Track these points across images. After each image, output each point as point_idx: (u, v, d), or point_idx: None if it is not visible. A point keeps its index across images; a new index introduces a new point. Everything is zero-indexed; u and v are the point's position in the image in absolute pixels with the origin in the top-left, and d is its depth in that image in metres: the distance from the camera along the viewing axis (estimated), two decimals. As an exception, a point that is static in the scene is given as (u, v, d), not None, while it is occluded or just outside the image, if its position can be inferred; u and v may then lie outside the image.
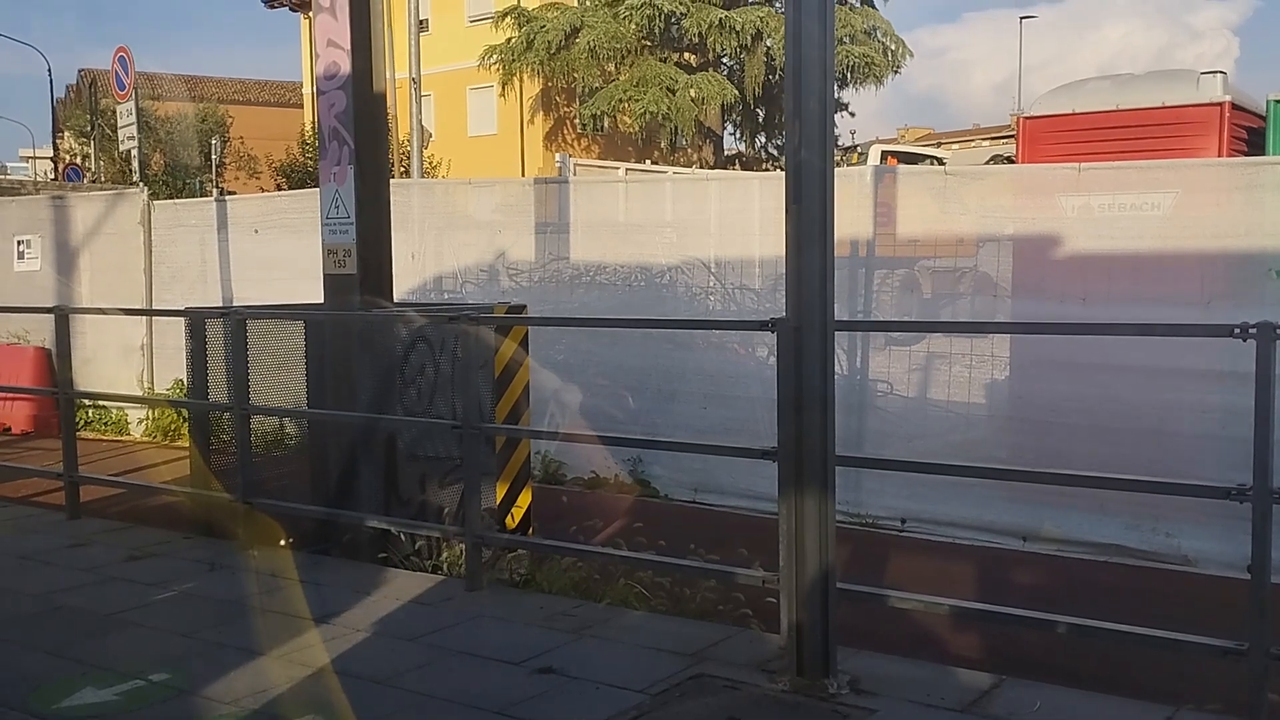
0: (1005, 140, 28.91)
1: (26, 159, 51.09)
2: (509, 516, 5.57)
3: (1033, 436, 6.43)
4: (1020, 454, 6.42)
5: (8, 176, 33.48)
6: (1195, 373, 5.83)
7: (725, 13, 28.35)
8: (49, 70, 40.62)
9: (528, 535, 5.58)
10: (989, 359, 6.68)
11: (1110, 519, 5.92)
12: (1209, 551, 5.70)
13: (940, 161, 20.31)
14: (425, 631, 4.11)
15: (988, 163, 19.92)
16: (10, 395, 9.84)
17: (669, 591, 4.55)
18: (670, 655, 3.82)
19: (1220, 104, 7.94)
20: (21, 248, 12.09)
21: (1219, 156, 7.68)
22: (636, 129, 29.54)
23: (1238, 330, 3.30)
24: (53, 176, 31.71)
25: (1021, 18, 51.82)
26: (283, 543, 5.03)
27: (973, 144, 36.55)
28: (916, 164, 19.07)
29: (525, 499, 5.72)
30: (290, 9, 36.45)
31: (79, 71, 45.25)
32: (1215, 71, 8.26)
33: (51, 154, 40.84)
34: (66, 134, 40.89)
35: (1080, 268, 6.36)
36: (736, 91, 29.14)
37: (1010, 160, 14.70)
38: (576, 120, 31.57)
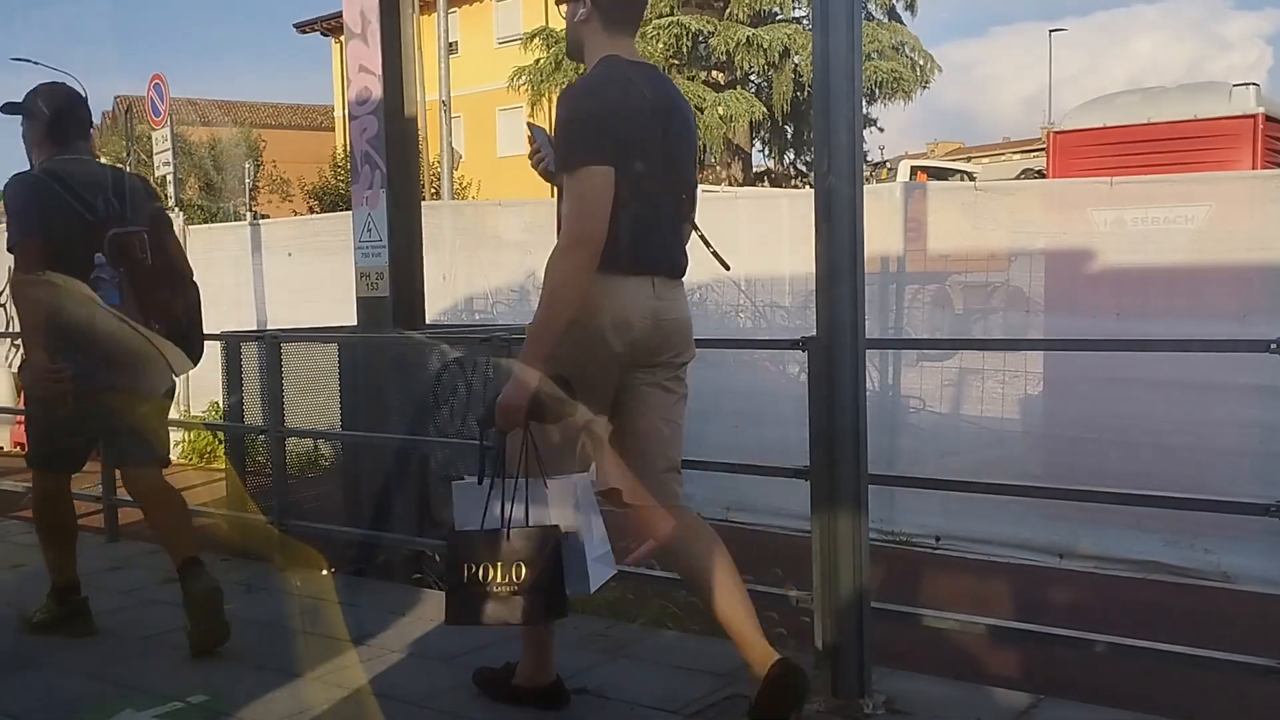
0: (1035, 154, 28.77)
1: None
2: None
3: (1067, 453, 6.39)
4: (1054, 470, 6.38)
5: (46, 202, 33.92)
6: (1232, 387, 5.78)
7: (753, 30, 28.41)
8: (85, 97, 41.15)
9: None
10: (1022, 375, 6.65)
11: (1148, 536, 5.87)
12: (1249, 568, 5.64)
13: (970, 176, 20.28)
14: (459, 652, 4.12)
15: (1018, 176, 19.85)
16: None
17: (702, 612, 4.53)
18: (704, 675, 3.82)
19: (1253, 116, 7.87)
20: (60, 273, 12.26)
21: (1253, 169, 7.61)
22: (665, 147, 29.57)
23: (1274, 346, 3.27)
24: (90, 202, 32.08)
25: (1050, 31, 51.71)
26: (326, 573, 5.06)
27: (1003, 158, 36.38)
28: (946, 179, 19.05)
29: (558, 519, 5.73)
30: (322, 34, 36.96)
31: (115, 98, 45.92)
32: (1248, 83, 8.20)
33: (88, 180, 41.38)
34: (103, 160, 41.51)
35: (1113, 282, 6.33)
36: (764, 108, 29.17)
37: (1041, 174, 14.63)
38: (605, 139, 31.65)
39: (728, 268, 3.63)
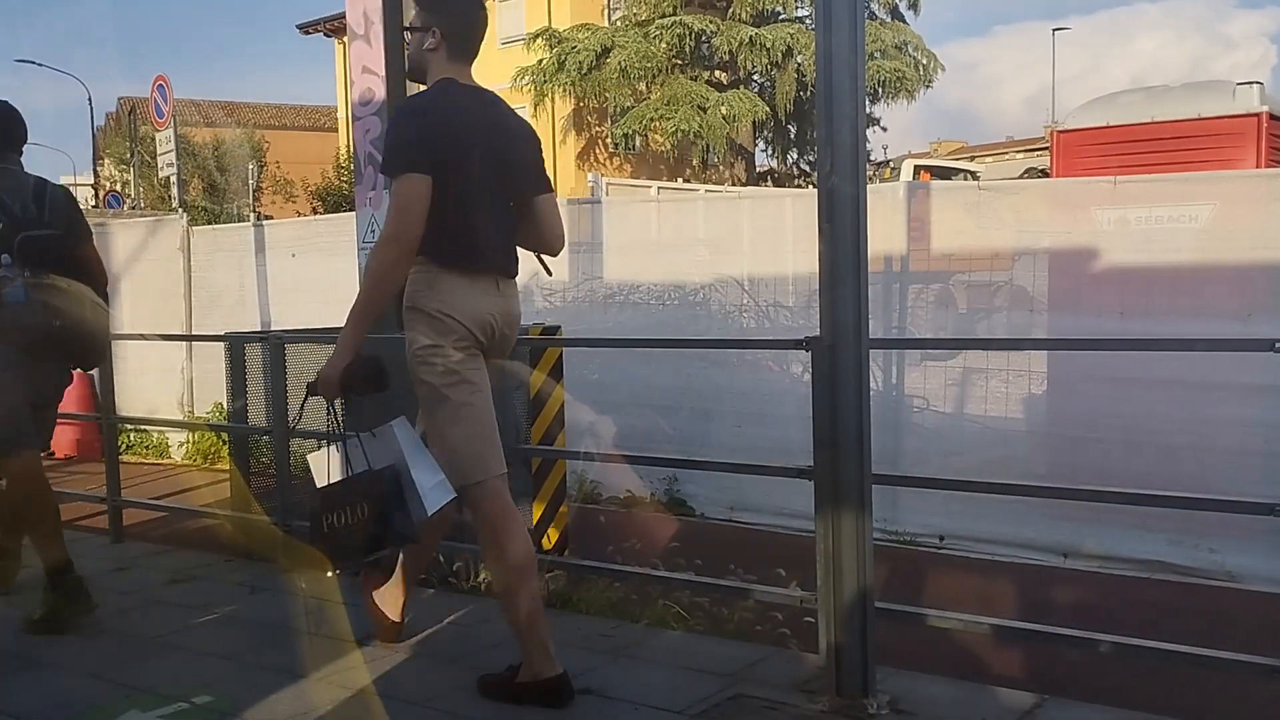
0: (1039, 152, 28.75)
1: (68, 186, 51.89)
2: (545, 537, 5.59)
3: (1071, 452, 6.38)
4: (1058, 470, 6.36)
5: (50, 204, 33.93)
6: (1236, 387, 5.77)
7: (756, 30, 28.42)
8: (89, 99, 41.46)
9: (564, 555, 5.59)
10: (1026, 374, 6.64)
11: (1152, 535, 5.86)
12: (1253, 567, 5.63)
13: (974, 175, 20.24)
14: (463, 653, 4.13)
15: (1022, 175, 19.85)
16: (57, 420, 9.97)
17: (706, 611, 4.54)
18: (708, 676, 3.82)
19: (1257, 115, 7.86)
20: (64, 274, 12.29)
21: (1257, 168, 7.60)
22: (668, 147, 29.64)
23: (1278, 345, 3.27)
24: (93, 203, 32.21)
25: (1054, 30, 51.67)
26: (329, 573, 5.07)
27: (1006, 157, 36.38)
28: (950, 178, 19.02)
29: (562, 519, 5.74)
30: (325, 35, 36.95)
31: (119, 99, 46.03)
32: (1251, 82, 8.19)
33: (92, 181, 41.52)
34: (107, 161, 41.57)
35: (1117, 281, 6.32)
36: (768, 108, 29.18)
37: (1044, 173, 14.62)
38: (608, 139, 31.74)
39: (550, 273, 3.99)
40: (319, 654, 4.14)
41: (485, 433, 3.52)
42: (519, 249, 3.72)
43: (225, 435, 7.92)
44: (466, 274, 3.47)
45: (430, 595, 4.94)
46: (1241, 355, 5.28)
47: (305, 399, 3.63)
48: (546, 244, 3.75)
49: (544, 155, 3.86)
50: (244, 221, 17.78)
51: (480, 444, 3.51)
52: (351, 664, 4.05)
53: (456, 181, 3.38)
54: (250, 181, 32.99)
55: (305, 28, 37.92)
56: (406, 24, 3.71)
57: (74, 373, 4.87)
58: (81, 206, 5.13)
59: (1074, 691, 3.69)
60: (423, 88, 3.65)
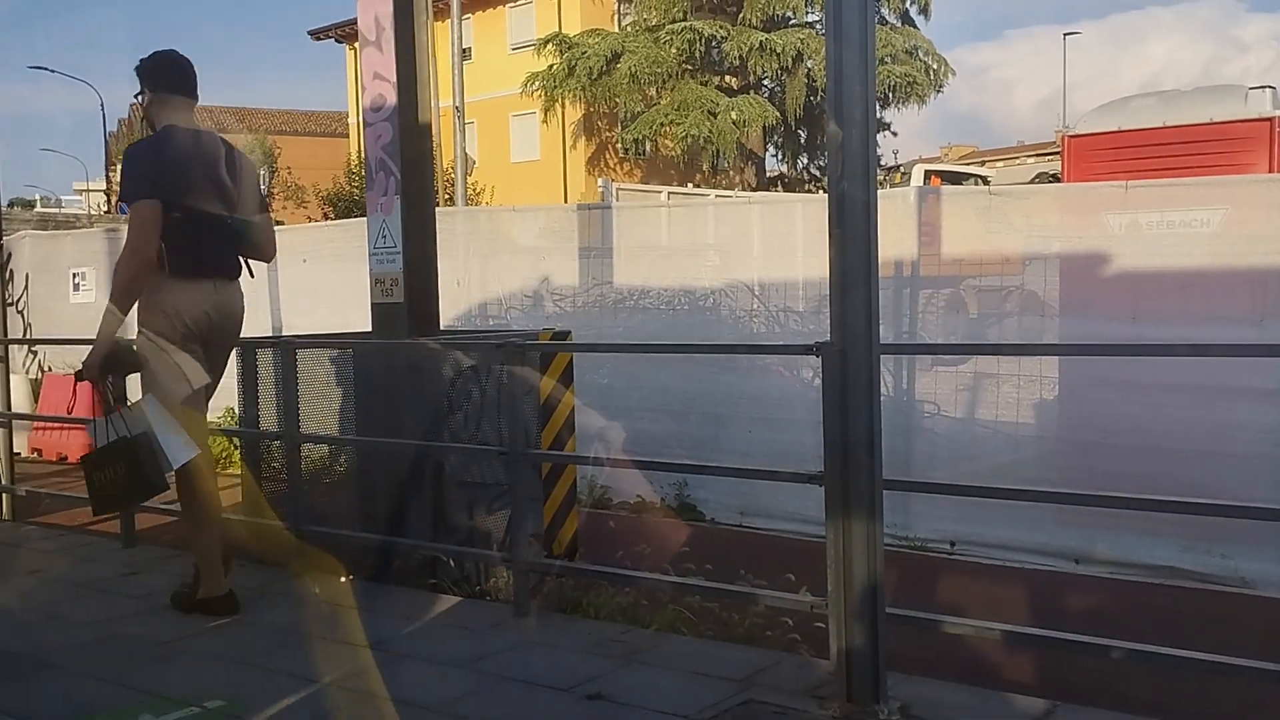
0: (1050, 157, 28.68)
1: (80, 192, 52.17)
2: (556, 542, 5.59)
3: (1083, 457, 6.36)
4: (1070, 474, 6.35)
5: (63, 210, 34.17)
6: (1249, 391, 5.75)
7: (765, 35, 28.43)
8: (102, 104, 41.67)
9: (574, 560, 5.59)
10: (1037, 379, 6.62)
11: (1164, 540, 5.84)
12: (1267, 573, 5.61)
13: (984, 180, 20.21)
14: (475, 658, 4.13)
15: (1033, 180, 19.80)
16: (67, 425, 10.02)
17: (717, 616, 4.54)
18: (719, 681, 3.81)
19: (1269, 119, 7.85)
20: (78, 280, 12.37)
21: (1269, 172, 7.58)
22: (678, 152, 29.66)
23: (1291, 350, 3.26)
24: (105, 209, 32.34)
25: (1065, 34, 51.53)
26: (343, 579, 5.09)
27: (1017, 161, 36.27)
28: (960, 183, 18.99)
29: (572, 524, 5.74)
30: (336, 40, 37.08)
31: (131, 105, 46.25)
32: (1264, 86, 8.17)
33: (104, 187, 41.71)
34: (119, 167, 41.74)
35: (1129, 285, 6.30)
36: (778, 113, 29.19)
37: (1055, 177, 14.59)
38: (619, 144, 31.76)
39: (253, 275, 4.85)
40: (330, 658, 4.15)
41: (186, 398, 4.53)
42: (241, 255, 4.74)
43: (237, 439, 7.94)
44: (189, 278, 4.47)
45: (443, 599, 4.95)
46: (1254, 360, 5.26)
47: (105, 386, 4.62)
48: (260, 254, 4.85)
49: (259, 183, 5.05)
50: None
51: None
52: (362, 669, 4.06)
53: (180, 206, 4.39)
54: (262, 187, 33.10)
55: (317, 33, 38.05)
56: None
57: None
58: (93, 213, 5.28)
59: (1086, 697, 3.68)
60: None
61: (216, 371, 4.82)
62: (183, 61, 4.66)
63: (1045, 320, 6.65)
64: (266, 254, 4.89)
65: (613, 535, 6.04)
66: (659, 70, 28.84)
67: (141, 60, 4.66)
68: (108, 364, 4.48)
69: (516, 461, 4.78)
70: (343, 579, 5.18)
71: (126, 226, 4.51)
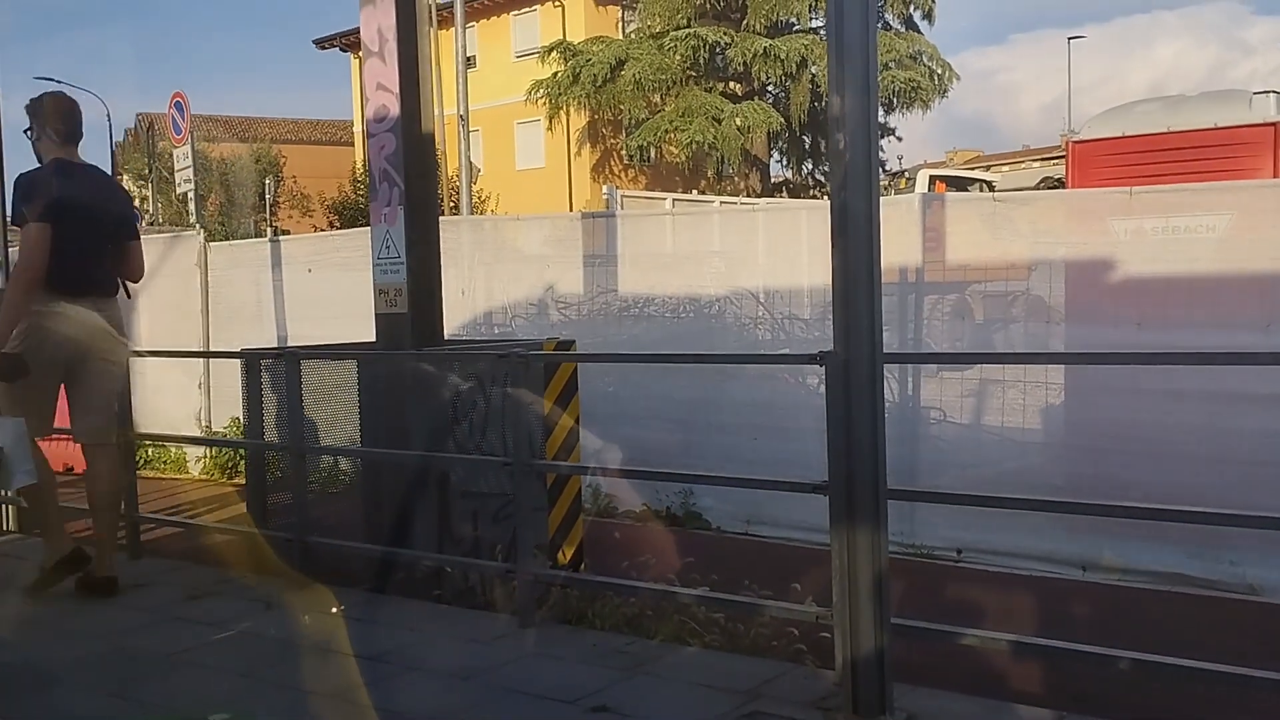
0: (1055, 161, 28.66)
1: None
2: (561, 552, 5.58)
3: (1089, 463, 6.34)
4: (1077, 481, 6.32)
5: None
6: (1256, 398, 5.72)
7: (769, 41, 28.45)
8: (108, 115, 41.69)
9: (579, 571, 5.58)
10: (1043, 385, 6.60)
11: (1172, 547, 5.81)
12: (1276, 581, 5.58)
13: (989, 185, 20.21)
14: (479, 669, 4.12)
15: (1038, 185, 19.79)
16: (68, 437, 10.01)
17: (722, 627, 4.52)
18: (724, 693, 3.80)
19: (1274, 124, 7.82)
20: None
21: (1274, 177, 7.56)
22: (683, 159, 29.70)
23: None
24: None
25: (1069, 38, 51.55)
26: (334, 610, 5.05)
27: (1022, 165, 36.25)
28: (966, 188, 18.99)
29: (577, 534, 5.74)
30: (340, 50, 37.16)
31: (136, 116, 46.38)
32: (1269, 91, 8.14)
33: (111, 197, 41.70)
34: (125, 177, 41.80)
35: (1135, 291, 6.28)
36: (782, 119, 29.21)
37: (1060, 182, 14.57)
38: (623, 151, 31.81)
39: (129, 295, 5.48)
40: (335, 671, 4.14)
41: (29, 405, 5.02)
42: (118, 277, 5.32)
43: (242, 450, 7.94)
44: (72, 295, 5.04)
45: (447, 610, 4.94)
46: (1261, 367, 5.24)
47: None
48: (131, 275, 5.43)
49: (133, 209, 5.73)
50: (260, 237, 17.87)
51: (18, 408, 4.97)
52: (367, 681, 4.05)
53: (65, 230, 4.94)
54: (267, 196, 33.15)
55: (321, 43, 38.14)
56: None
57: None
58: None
59: (1094, 707, 3.66)
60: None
61: (106, 380, 5.29)
62: (69, 105, 5.29)
63: (1051, 326, 6.63)
64: (136, 275, 5.50)
65: (618, 545, 6.03)
66: (663, 77, 28.87)
67: (32, 100, 5.28)
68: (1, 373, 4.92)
69: (521, 472, 4.78)
70: (347, 590, 5.17)
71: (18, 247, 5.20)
